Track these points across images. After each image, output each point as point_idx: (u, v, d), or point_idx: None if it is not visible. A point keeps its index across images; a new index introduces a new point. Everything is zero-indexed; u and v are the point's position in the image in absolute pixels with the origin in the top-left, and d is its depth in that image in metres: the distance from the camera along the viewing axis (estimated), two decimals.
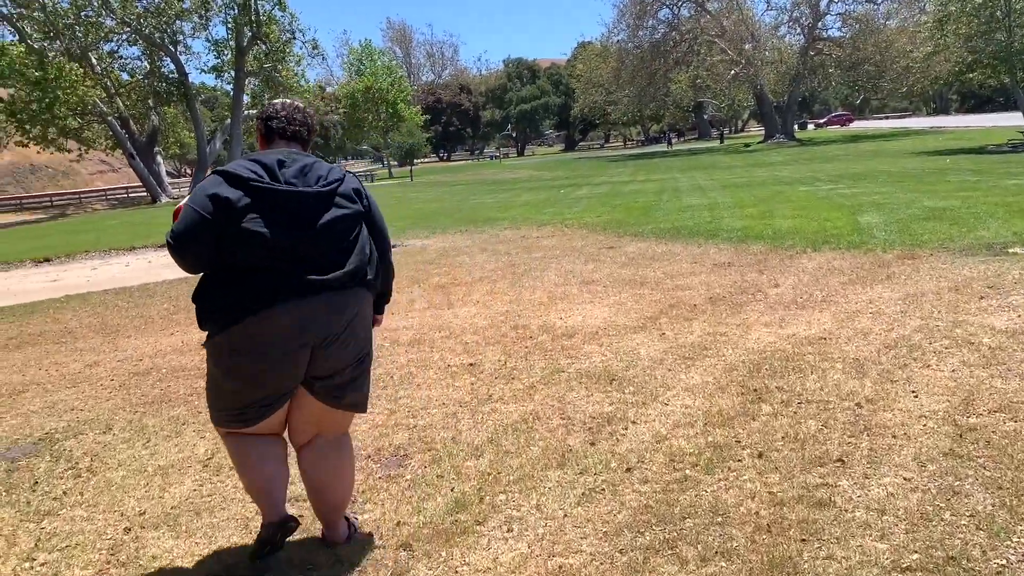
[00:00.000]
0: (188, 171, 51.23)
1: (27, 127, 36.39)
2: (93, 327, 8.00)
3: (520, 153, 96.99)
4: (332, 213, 2.60)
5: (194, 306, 2.62)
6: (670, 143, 68.35)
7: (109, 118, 39.02)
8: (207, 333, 2.63)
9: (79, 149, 44.99)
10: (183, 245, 2.49)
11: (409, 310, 7.31)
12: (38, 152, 45.13)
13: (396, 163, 65.69)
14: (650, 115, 79.42)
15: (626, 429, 3.83)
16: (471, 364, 5.20)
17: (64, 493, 3.58)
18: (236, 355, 2.58)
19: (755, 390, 4.25)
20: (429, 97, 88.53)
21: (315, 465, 2.82)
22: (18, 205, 46.37)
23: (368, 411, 3.27)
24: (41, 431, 4.51)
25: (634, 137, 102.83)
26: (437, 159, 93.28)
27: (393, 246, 11.52)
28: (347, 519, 2.97)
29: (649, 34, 62.28)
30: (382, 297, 2.92)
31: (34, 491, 3.62)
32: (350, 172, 2.82)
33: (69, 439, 4.34)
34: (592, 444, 3.67)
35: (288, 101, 2.87)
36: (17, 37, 35.11)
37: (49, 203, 48.07)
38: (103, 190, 54.76)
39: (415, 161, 59.06)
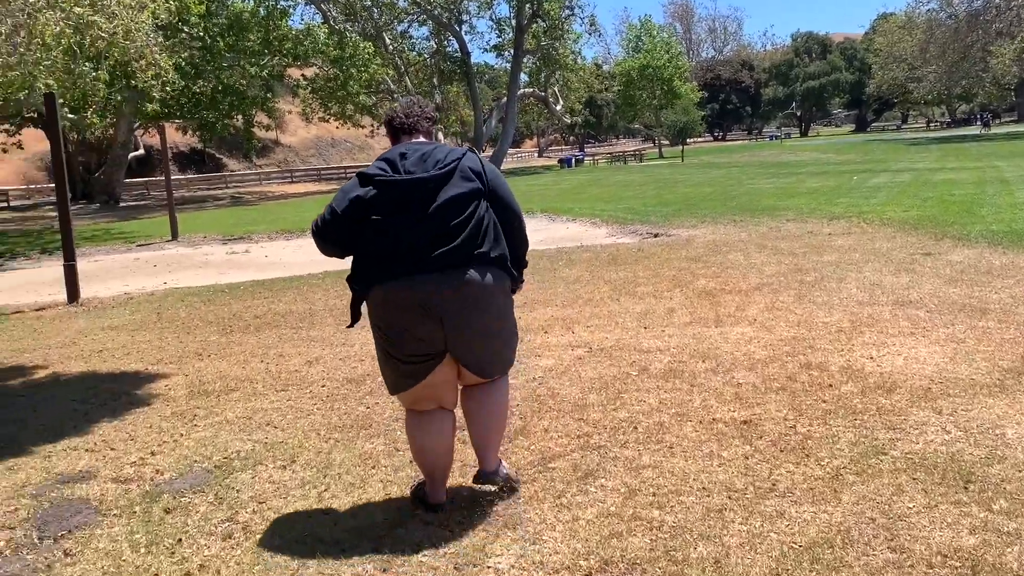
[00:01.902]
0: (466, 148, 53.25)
1: (328, 104, 39.33)
2: (335, 311, 7.60)
3: (803, 133, 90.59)
4: (447, 193, 2.85)
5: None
6: (987, 125, 59.75)
7: (396, 95, 41.15)
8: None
9: (372, 125, 48.15)
10: (321, 235, 2.95)
11: (666, 323, 6.03)
12: (337, 127, 48.90)
13: (667, 142, 63.74)
14: (959, 94, 70.27)
15: None
16: (745, 422, 3.84)
17: (200, 567, 2.78)
18: (376, 317, 2.96)
19: None
20: (707, 74, 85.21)
21: (469, 404, 3.17)
22: (318, 176, 50.77)
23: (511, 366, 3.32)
24: (223, 453, 3.86)
25: (937, 118, 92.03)
26: (711, 138, 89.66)
27: (655, 235, 10.16)
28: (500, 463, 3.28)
29: (966, 3, 54.66)
30: (516, 264, 3.15)
31: (172, 555, 2.87)
32: (473, 151, 3.02)
33: (247, 470, 3.62)
34: None
35: (405, 100, 3.15)
36: (321, 19, 37.96)
37: (344, 175, 52.11)
38: None
39: (687, 140, 56.74)
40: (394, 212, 2.83)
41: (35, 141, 41.14)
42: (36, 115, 26.69)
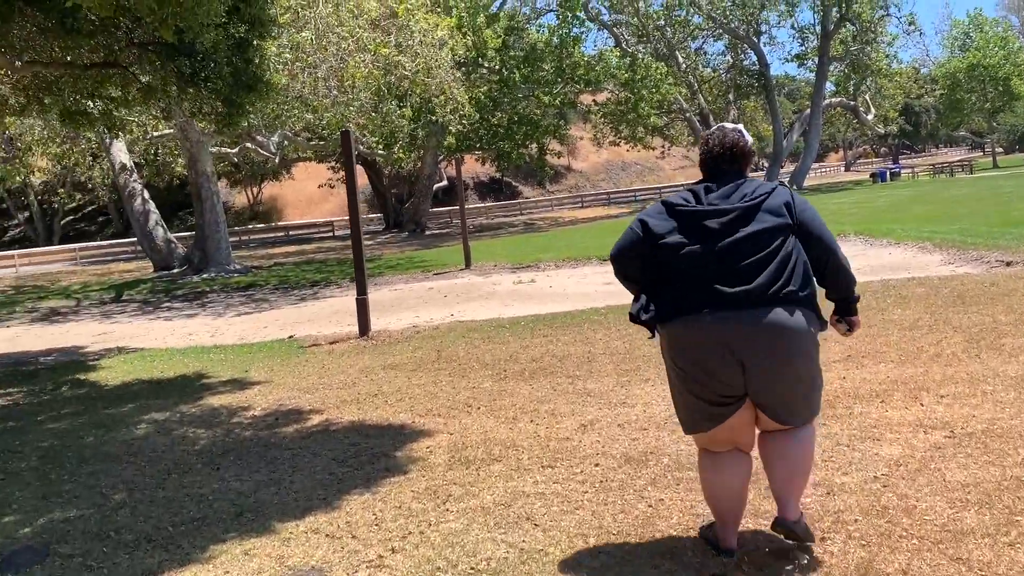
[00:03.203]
0: (764, 164, 50.50)
1: (619, 127, 39.24)
2: (615, 356, 6.78)
3: None
4: (751, 227, 2.69)
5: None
6: None
7: (688, 114, 39.99)
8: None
9: (663, 146, 47.34)
10: (618, 260, 2.92)
11: None
12: (627, 150, 48.79)
13: (1001, 150, 55.73)
14: None
15: None
16: None
17: None
18: (673, 353, 2.84)
19: None
20: None
21: (769, 452, 2.90)
22: (607, 200, 50.91)
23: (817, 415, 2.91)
24: (470, 559, 3.12)
25: None
26: None
27: (1007, 263, 8.13)
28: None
29: None
30: (845, 302, 2.93)
31: None
32: (784, 186, 2.90)
33: None
34: None
35: (719, 133, 2.93)
36: (614, 42, 37.97)
37: (633, 198, 51.82)
38: (680, 185, 57.26)
39: None
40: (691, 243, 2.73)
41: (360, 176, 45.64)
42: (365, 153, 29.29)
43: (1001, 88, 46.84)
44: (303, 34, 13.97)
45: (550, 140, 37.21)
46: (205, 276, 20.12)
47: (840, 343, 5.92)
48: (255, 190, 48.45)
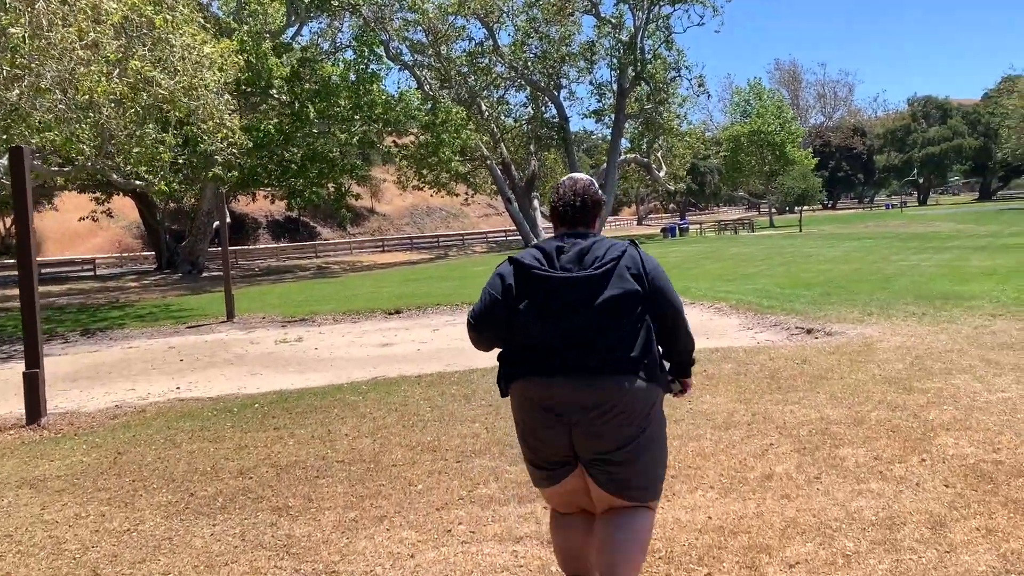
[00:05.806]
0: None
1: (422, 171, 37.88)
2: (358, 463, 4.99)
3: (922, 202, 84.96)
4: (604, 294, 2.64)
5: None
6: None
7: (490, 162, 39.33)
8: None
9: (467, 193, 46.54)
10: (479, 324, 2.76)
11: (951, 566, 3.07)
12: (432, 195, 47.59)
13: (775, 210, 59.93)
14: None
15: None
16: None
17: None
18: (515, 412, 2.79)
19: None
20: (816, 140, 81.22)
21: (601, 532, 2.76)
22: (410, 245, 49.30)
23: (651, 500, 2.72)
24: None
25: None
26: (821, 207, 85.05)
27: (808, 331, 7.00)
28: None
29: None
30: (681, 367, 2.88)
31: None
32: (634, 245, 2.78)
33: None
34: None
35: (570, 181, 2.89)
36: (415, 84, 36.72)
37: (436, 243, 50.58)
38: (484, 232, 56.84)
39: (795, 208, 52.77)
40: (544, 308, 2.64)
41: (131, 209, 41.14)
42: (119, 183, 25.75)
43: (777, 153, 50.25)
44: (13, 30, 11.26)
45: (349, 180, 35.10)
46: None
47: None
48: (6, 220, 42.48)
